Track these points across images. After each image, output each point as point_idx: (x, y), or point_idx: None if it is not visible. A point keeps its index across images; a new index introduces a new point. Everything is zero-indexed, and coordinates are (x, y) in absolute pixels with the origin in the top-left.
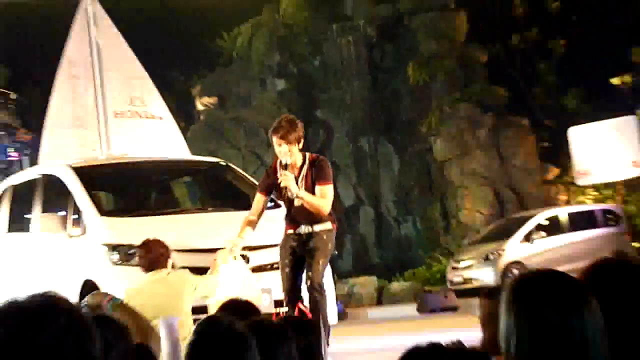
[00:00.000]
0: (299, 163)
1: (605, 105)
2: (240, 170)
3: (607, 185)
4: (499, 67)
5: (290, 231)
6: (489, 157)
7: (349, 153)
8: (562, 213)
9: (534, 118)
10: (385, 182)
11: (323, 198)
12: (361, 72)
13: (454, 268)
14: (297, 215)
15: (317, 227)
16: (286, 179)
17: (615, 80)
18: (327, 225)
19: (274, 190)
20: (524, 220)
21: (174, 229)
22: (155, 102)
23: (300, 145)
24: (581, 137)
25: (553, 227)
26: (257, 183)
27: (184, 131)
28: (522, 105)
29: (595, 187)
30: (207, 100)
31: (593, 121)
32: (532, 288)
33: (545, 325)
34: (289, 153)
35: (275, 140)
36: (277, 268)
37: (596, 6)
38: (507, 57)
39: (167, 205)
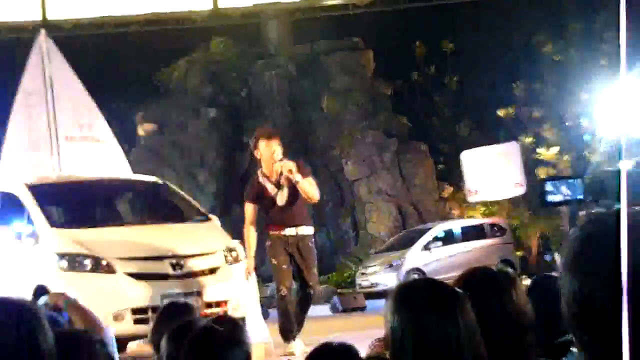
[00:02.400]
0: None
1: (492, 133)
2: (176, 188)
3: (494, 202)
4: (402, 100)
5: (276, 232)
6: (393, 177)
7: None
8: (456, 226)
9: (432, 144)
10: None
11: (312, 186)
12: (282, 103)
13: (362, 274)
14: (280, 217)
15: (302, 231)
16: (288, 164)
17: (500, 112)
18: (310, 229)
19: (261, 197)
20: (422, 232)
21: (117, 240)
22: (101, 128)
23: None
24: (472, 161)
25: (448, 238)
26: (191, 200)
27: (127, 154)
28: (422, 132)
29: (484, 204)
30: (147, 126)
31: (481, 146)
32: (411, 294)
33: (423, 327)
34: (281, 155)
35: (272, 144)
36: (209, 273)
37: (484, 47)
38: (409, 91)
39: (111, 218)
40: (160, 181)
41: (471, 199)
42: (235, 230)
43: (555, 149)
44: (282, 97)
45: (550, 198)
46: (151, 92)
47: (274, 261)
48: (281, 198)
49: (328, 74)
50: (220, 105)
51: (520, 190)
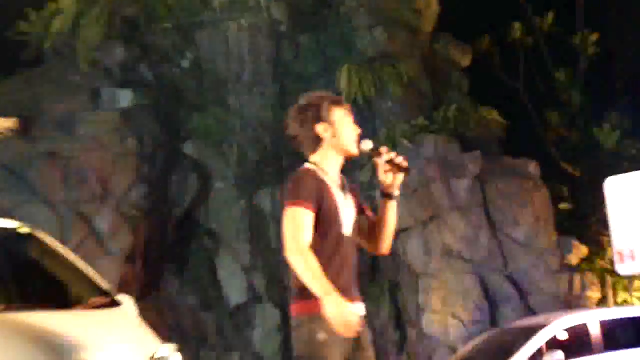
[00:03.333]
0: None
1: None
2: (53, 240)
3: None
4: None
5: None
6: (472, 223)
7: (239, 216)
8: (593, 320)
9: (547, 161)
10: None
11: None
12: (262, 78)
13: None
14: (345, 274)
15: (362, 310)
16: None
17: None
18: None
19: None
20: (532, 332)
21: None
22: None
23: None
24: (626, 196)
25: (578, 344)
26: (83, 266)
27: None
28: (528, 137)
29: None
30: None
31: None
32: None
33: None
34: None
35: (347, 111)
36: None
37: None
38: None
39: None
40: (23, 229)
41: (623, 268)
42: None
43: None
44: (261, 67)
45: None
46: (6, 59)
47: None
48: (348, 234)
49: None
50: (140, 84)
51: None
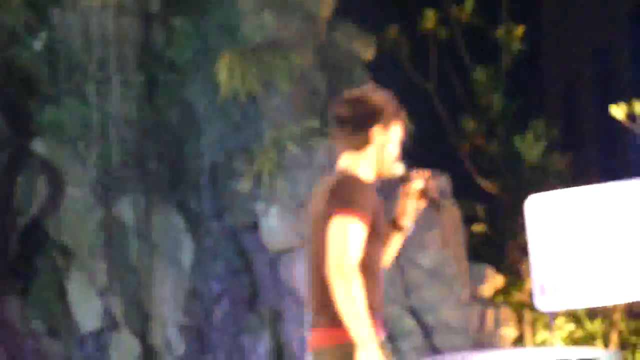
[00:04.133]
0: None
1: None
2: None
3: (593, 313)
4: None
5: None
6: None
7: (96, 228)
8: None
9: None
10: (165, 285)
11: None
12: (127, 65)
13: None
14: (380, 297)
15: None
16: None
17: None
18: None
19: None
20: None
21: None
22: None
23: None
24: (549, 218)
25: None
26: None
27: None
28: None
29: (573, 317)
30: None
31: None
32: None
33: None
34: None
35: (402, 129)
36: None
37: None
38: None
39: None
40: None
41: (544, 302)
42: None
43: None
44: (126, 51)
45: None
46: None
47: None
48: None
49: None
50: None
51: None
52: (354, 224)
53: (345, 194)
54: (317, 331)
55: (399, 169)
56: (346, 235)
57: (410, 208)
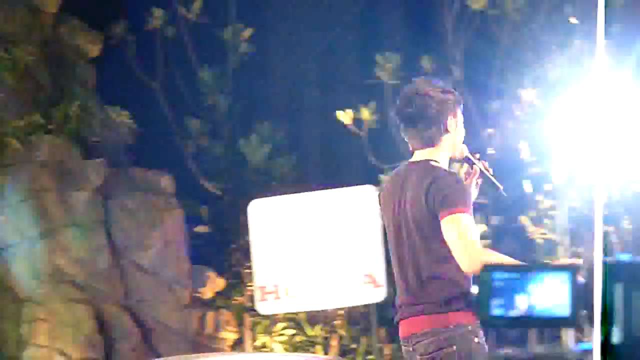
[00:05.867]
0: None
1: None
2: None
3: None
4: None
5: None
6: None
7: None
8: None
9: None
10: None
11: None
12: None
13: None
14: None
15: None
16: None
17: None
18: None
19: None
20: None
21: None
22: None
23: None
24: (271, 221)
25: None
26: None
27: None
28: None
29: (294, 321)
30: None
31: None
32: None
33: None
34: None
35: (460, 107)
36: None
37: None
38: None
39: None
40: None
41: (265, 306)
42: None
43: None
44: None
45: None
46: None
47: None
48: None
49: None
50: None
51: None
52: (471, 218)
53: (458, 190)
54: (419, 318)
55: (465, 149)
56: (472, 231)
57: (474, 187)
